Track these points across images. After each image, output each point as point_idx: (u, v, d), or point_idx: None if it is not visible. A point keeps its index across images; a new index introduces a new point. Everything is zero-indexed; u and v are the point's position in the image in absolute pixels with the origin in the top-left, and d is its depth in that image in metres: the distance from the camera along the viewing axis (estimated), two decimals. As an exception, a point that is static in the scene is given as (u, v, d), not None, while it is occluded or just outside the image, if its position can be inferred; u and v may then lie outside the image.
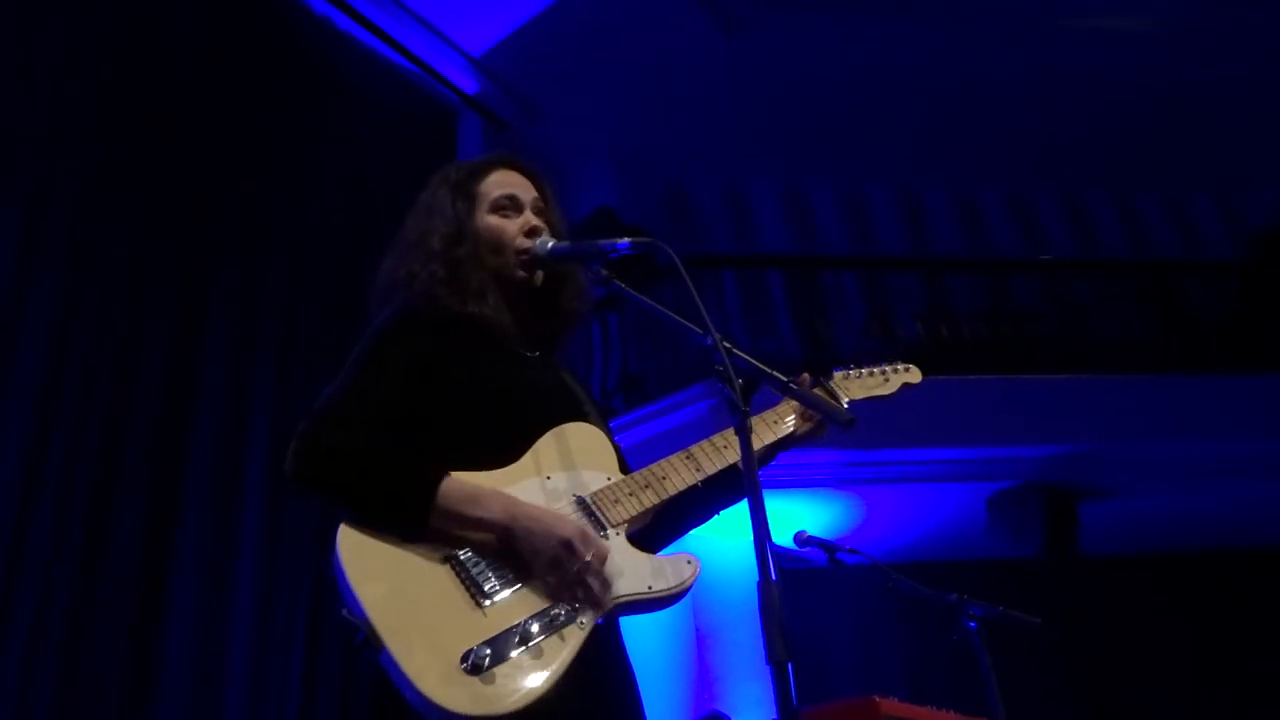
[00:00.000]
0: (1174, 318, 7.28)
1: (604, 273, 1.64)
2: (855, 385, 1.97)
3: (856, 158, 8.28)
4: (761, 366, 1.45)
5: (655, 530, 1.70)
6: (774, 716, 1.31)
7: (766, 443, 1.77)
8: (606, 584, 1.49)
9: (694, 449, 1.71)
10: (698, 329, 1.44)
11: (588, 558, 1.45)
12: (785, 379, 1.46)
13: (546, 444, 1.61)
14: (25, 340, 4.12)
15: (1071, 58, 7.57)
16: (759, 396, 1.45)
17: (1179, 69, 7.59)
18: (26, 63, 4.51)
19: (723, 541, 5.62)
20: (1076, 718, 6.27)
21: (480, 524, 1.46)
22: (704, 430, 5.83)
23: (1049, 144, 8.14)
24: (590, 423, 1.70)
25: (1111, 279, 7.59)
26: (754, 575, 1.32)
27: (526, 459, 1.58)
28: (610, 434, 1.75)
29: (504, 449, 1.57)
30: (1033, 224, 9.01)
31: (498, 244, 1.75)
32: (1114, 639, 6.55)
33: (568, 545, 1.45)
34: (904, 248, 8.66)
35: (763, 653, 1.26)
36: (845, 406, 1.89)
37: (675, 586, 1.55)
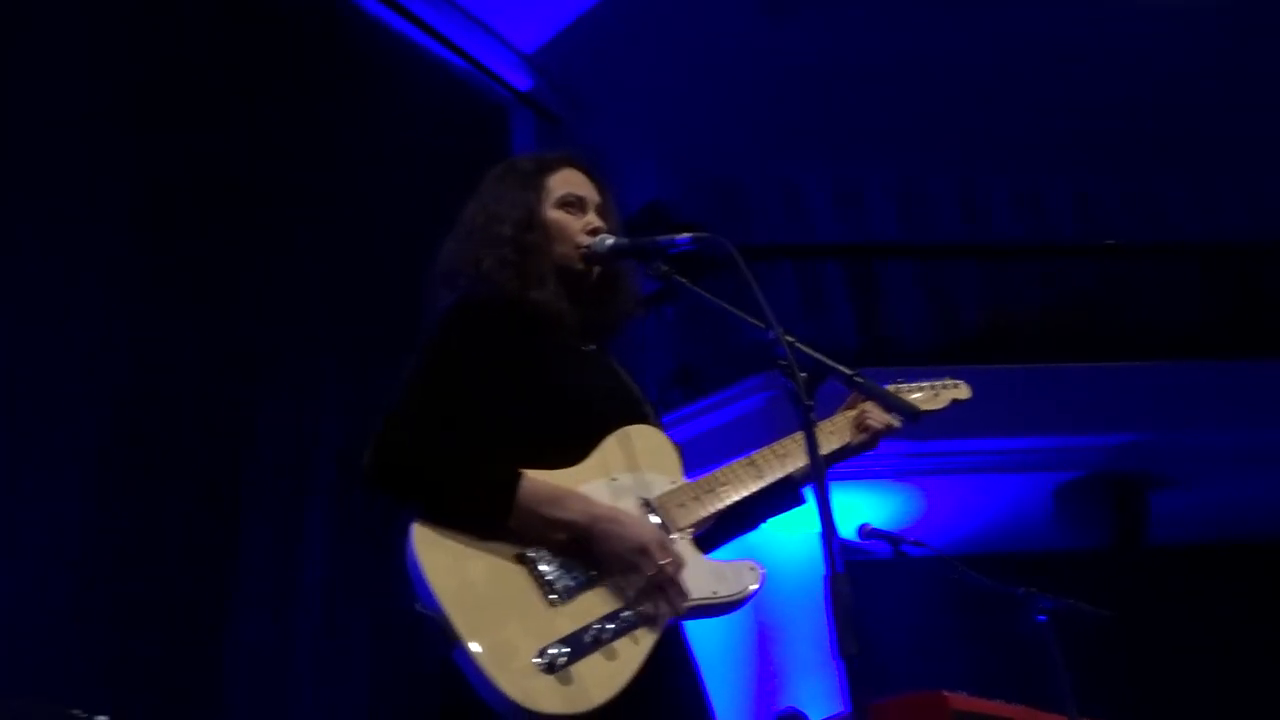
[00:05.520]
0: (1244, 301, 7.08)
1: (664, 268, 1.65)
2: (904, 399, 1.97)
3: (912, 145, 8.16)
4: (826, 360, 1.44)
5: (710, 534, 1.70)
6: (842, 710, 1.31)
7: (821, 452, 1.77)
8: (682, 591, 1.49)
9: (756, 456, 1.71)
10: (759, 323, 1.44)
11: (666, 563, 1.46)
12: (850, 372, 1.45)
13: (612, 445, 1.62)
14: (95, 343, 4.26)
15: (1136, 36, 7.37)
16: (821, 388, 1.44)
17: (1249, 44, 7.36)
18: (71, 80, 4.58)
19: (783, 535, 5.63)
20: (1146, 712, 6.12)
21: (559, 525, 1.47)
22: (762, 423, 5.81)
23: (1114, 127, 7.94)
24: (651, 424, 1.71)
25: (1177, 264, 7.40)
26: (815, 569, 1.31)
27: (593, 459, 1.59)
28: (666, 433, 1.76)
29: (570, 448, 1.58)
30: (1095, 210, 8.82)
31: (562, 237, 1.76)
32: (1185, 631, 6.39)
33: (644, 550, 1.46)
34: (961, 236, 8.52)
35: (828, 647, 1.26)
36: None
37: (739, 593, 1.56)
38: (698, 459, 1.76)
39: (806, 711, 4.68)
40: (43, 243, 4.25)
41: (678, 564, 1.49)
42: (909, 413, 1.54)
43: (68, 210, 4.38)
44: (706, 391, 6.29)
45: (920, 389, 2.00)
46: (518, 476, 1.48)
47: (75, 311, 4.25)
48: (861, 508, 6.10)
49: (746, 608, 1.63)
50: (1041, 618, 2.70)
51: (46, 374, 4.08)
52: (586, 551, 1.48)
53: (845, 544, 1.29)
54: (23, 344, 4.05)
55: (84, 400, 4.14)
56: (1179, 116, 7.81)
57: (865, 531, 2.76)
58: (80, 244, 4.37)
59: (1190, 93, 7.60)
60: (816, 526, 1.29)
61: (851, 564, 1.28)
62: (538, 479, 1.49)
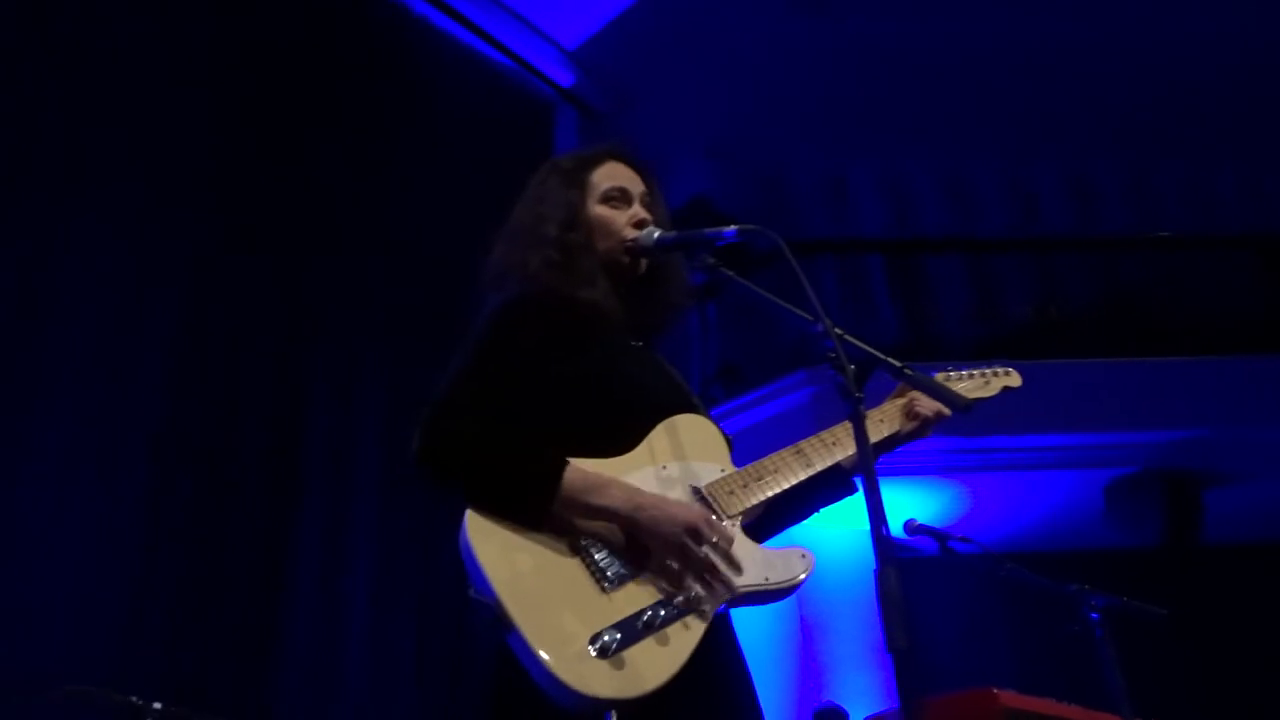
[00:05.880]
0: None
1: (711, 261, 1.65)
2: (954, 387, 1.95)
3: (959, 137, 8.05)
4: (875, 353, 1.42)
5: (760, 524, 1.70)
6: (889, 706, 1.30)
7: (871, 441, 1.76)
8: (735, 567, 1.51)
9: (803, 445, 1.71)
10: (807, 315, 1.43)
11: (714, 540, 1.48)
12: (899, 364, 1.43)
13: (659, 435, 1.62)
14: (150, 337, 4.37)
15: (1188, 24, 7.21)
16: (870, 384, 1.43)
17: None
18: (124, 76, 4.69)
19: (828, 531, 5.60)
20: (1200, 713, 6.00)
21: (603, 513, 1.48)
22: (805, 418, 5.76)
23: (1166, 116, 7.77)
24: (700, 414, 1.71)
25: (1233, 255, 7.22)
26: (859, 565, 1.31)
27: (641, 448, 1.60)
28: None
29: (618, 439, 1.59)
30: (1149, 201, 8.63)
31: (607, 232, 1.77)
32: (1241, 632, 6.25)
33: (693, 531, 1.47)
34: (1011, 229, 8.39)
35: (869, 642, 1.25)
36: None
37: (789, 580, 1.56)
38: (740, 455, 1.75)
39: (849, 708, 4.66)
40: (107, 231, 4.38)
41: (727, 540, 1.50)
42: (959, 404, 1.52)
43: (132, 199, 4.49)
44: (748, 387, 6.27)
45: (970, 377, 1.99)
46: (563, 464, 1.49)
47: (132, 302, 4.36)
48: (906, 504, 6.05)
49: (791, 602, 1.62)
50: (1094, 615, 2.65)
51: (105, 360, 4.19)
52: (633, 539, 1.49)
53: (891, 539, 1.28)
54: (83, 332, 4.17)
55: (140, 390, 4.24)
56: (1232, 103, 7.63)
57: (911, 527, 2.73)
58: (141, 233, 4.49)
59: (1244, 79, 7.41)
60: (861, 522, 1.28)
61: (898, 560, 1.26)
62: (583, 467, 1.50)
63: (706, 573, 1.48)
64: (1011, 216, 8.53)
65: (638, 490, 1.51)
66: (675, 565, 1.47)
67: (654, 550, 1.48)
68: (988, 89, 7.57)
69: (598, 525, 1.49)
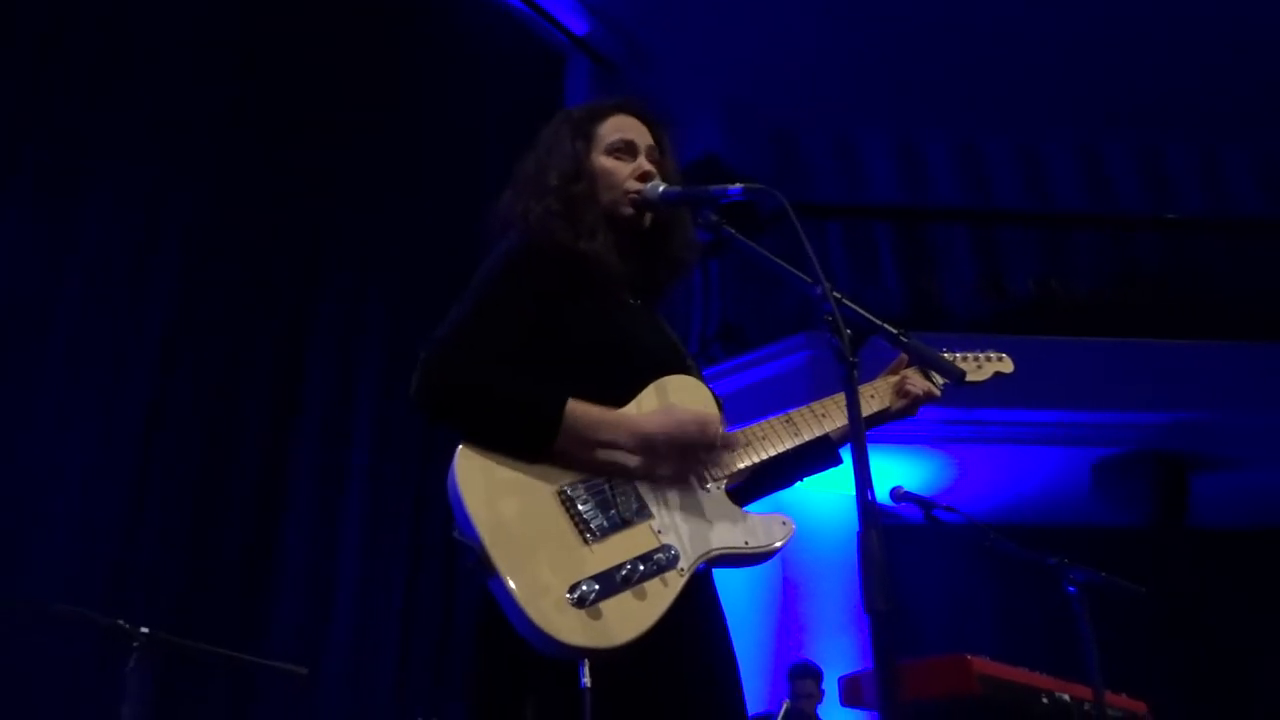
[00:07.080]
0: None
1: (714, 218, 1.64)
2: None
3: (972, 107, 7.98)
4: (873, 319, 1.42)
5: (744, 488, 1.72)
6: (864, 667, 1.32)
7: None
8: (732, 456, 1.60)
9: (794, 414, 1.73)
10: (807, 278, 1.43)
11: (710, 439, 1.55)
12: (896, 331, 1.44)
13: (649, 394, 1.63)
14: (156, 274, 4.37)
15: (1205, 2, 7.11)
16: (866, 352, 1.43)
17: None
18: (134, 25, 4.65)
19: (815, 494, 5.64)
20: (1179, 691, 6.09)
21: (606, 445, 1.51)
22: (802, 381, 5.75)
23: (1180, 93, 7.68)
24: (692, 376, 1.72)
25: (1241, 239, 7.18)
26: (844, 529, 1.33)
27: (630, 406, 1.60)
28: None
29: (607, 394, 1.59)
30: (1161, 178, 8.57)
31: (610, 184, 1.76)
32: (1223, 614, 6.32)
33: (689, 442, 1.54)
34: (1021, 202, 8.35)
35: (851, 605, 1.27)
36: (942, 383, 1.89)
37: (767, 546, 1.59)
38: (735, 414, 1.77)
39: (827, 669, 4.73)
40: (117, 192, 4.38)
41: (723, 439, 1.59)
42: (954, 375, 1.54)
43: (140, 143, 4.49)
44: (748, 347, 6.27)
45: (966, 358, 2.01)
46: (564, 399, 1.50)
47: (143, 250, 4.38)
48: (893, 472, 6.09)
49: (774, 562, 1.64)
50: (1071, 589, 2.68)
51: (110, 292, 4.20)
52: (631, 475, 1.52)
53: (876, 505, 1.29)
54: (91, 259, 4.17)
55: (142, 321, 4.27)
56: (1247, 83, 7.54)
57: (897, 494, 2.75)
58: (148, 192, 4.49)
59: (1260, 58, 7.32)
60: (848, 486, 1.29)
61: (882, 526, 1.27)
62: (582, 403, 1.52)
63: (706, 464, 1.57)
64: (1021, 191, 8.48)
65: (636, 420, 1.55)
66: (680, 465, 1.54)
67: (663, 464, 1.53)
68: (1003, 61, 7.49)
69: (598, 461, 1.50)
